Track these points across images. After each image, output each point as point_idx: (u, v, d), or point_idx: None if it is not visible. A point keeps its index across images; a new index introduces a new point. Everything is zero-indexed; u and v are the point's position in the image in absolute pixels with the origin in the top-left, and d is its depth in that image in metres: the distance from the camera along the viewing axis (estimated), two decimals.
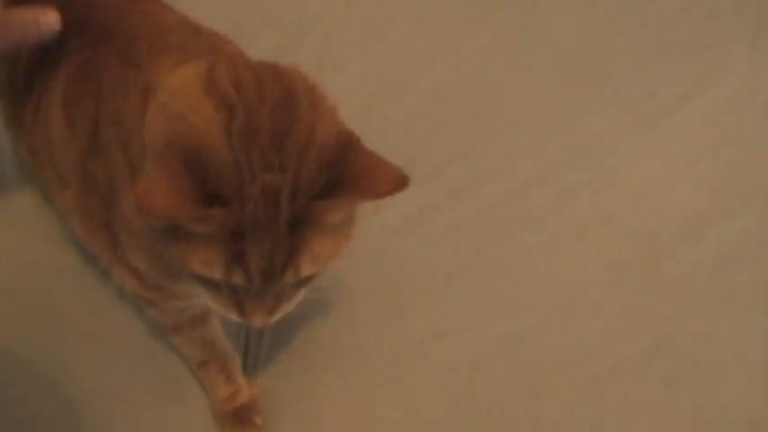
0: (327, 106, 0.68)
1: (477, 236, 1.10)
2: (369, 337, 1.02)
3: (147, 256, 0.80)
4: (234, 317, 0.71)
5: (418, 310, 1.04)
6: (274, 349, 1.02)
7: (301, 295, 0.72)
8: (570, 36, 1.32)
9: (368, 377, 0.99)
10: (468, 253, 1.09)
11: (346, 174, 0.64)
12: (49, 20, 0.77)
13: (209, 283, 0.68)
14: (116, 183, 0.80)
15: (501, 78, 1.27)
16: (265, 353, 1.02)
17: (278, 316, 0.71)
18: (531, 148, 1.19)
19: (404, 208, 1.11)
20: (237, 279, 0.65)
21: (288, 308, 0.72)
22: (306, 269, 0.66)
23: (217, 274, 0.65)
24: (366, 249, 1.03)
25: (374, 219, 1.07)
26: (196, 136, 0.63)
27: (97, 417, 0.95)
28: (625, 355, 1.00)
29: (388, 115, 1.19)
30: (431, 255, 1.09)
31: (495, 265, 1.07)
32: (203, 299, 0.71)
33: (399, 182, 0.64)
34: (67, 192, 0.89)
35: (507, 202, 1.13)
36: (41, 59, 0.89)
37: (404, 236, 1.10)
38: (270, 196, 0.62)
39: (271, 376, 1.00)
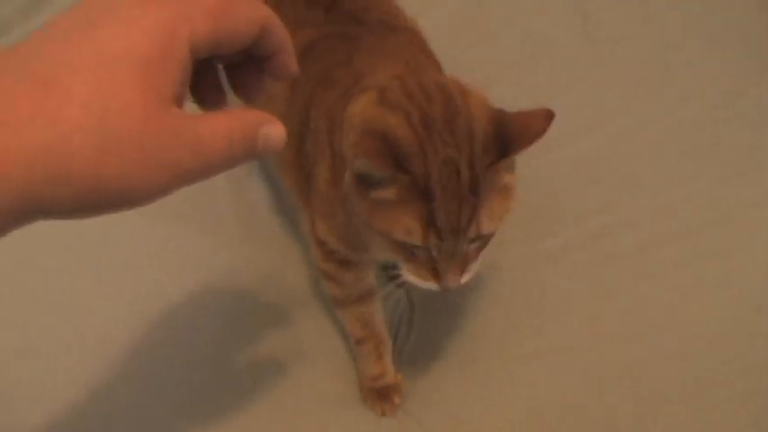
0: (476, 97, 0.82)
1: (606, 278, 1.19)
2: (506, 349, 1.13)
3: (335, 225, 0.96)
4: (430, 284, 0.84)
5: (550, 333, 1.14)
6: (419, 345, 1.15)
7: (482, 259, 0.85)
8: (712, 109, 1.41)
9: (499, 384, 1.10)
10: (599, 290, 1.18)
11: (507, 138, 0.77)
12: (272, 135, 0.51)
13: (409, 253, 0.82)
14: (317, 158, 0.96)
15: (651, 147, 1.36)
16: (411, 345, 1.15)
17: (467, 277, 0.84)
18: (667, 208, 1.27)
19: (550, 242, 1.23)
20: (433, 239, 0.78)
21: (474, 270, 0.85)
22: (485, 226, 0.79)
23: (416, 237, 0.78)
24: (510, 272, 1.19)
25: (523, 248, 1.21)
26: (384, 128, 0.78)
27: (258, 382, 1.11)
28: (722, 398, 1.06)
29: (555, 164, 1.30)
30: (568, 286, 1.19)
31: (616, 303, 1.16)
32: (404, 269, 0.85)
33: (545, 119, 0.77)
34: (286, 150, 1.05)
35: (634, 255, 1.21)
36: None
37: (548, 265, 1.21)
38: (451, 167, 0.76)
39: (414, 366, 1.12)
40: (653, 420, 1.04)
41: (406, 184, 0.76)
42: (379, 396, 1.08)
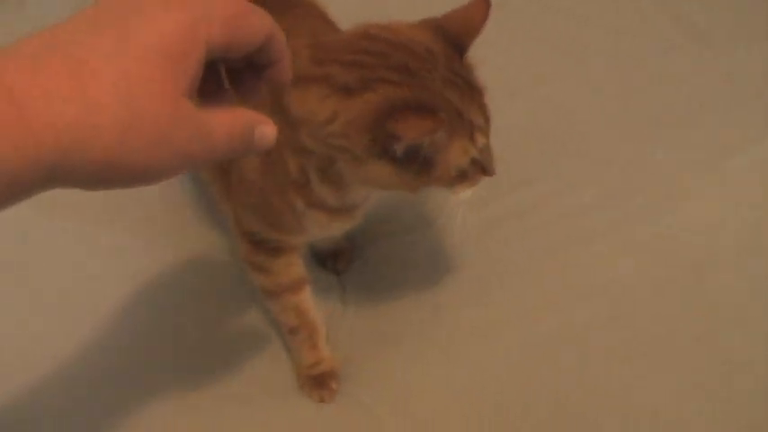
0: (401, 28, 0.85)
1: (548, 242, 1.21)
2: (445, 320, 1.14)
3: (268, 213, 0.96)
4: (481, 181, 0.89)
5: (492, 299, 1.15)
6: (354, 325, 1.15)
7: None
8: (645, 74, 1.44)
9: (440, 356, 1.11)
10: (538, 255, 1.20)
11: (454, 36, 0.84)
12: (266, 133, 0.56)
13: (459, 177, 0.86)
14: None
15: (578, 112, 1.39)
16: (347, 326, 1.15)
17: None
18: (599, 174, 1.30)
19: (489, 211, 1.24)
20: (480, 139, 0.85)
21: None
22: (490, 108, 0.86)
23: (473, 151, 0.85)
24: (450, 244, 1.20)
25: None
26: (391, 104, 0.78)
27: (196, 370, 1.11)
28: (665, 355, 1.08)
29: None
30: (507, 252, 1.20)
31: (558, 268, 1.19)
32: (459, 193, 0.88)
33: (485, 4, 0.84)
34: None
35: (574, 218, 1.24)
36: None
37: (485, 235, 1.21)
38: (449, 83, 0.81)
39: (351, 347, 1.13)
40: (598, 380, 1.06)
41: (444, 125, 0.79)
42: (317, 383, 1.08)
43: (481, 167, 0.88)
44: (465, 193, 0.89)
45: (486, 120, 0.86)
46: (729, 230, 1.21)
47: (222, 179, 1.04)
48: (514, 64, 1.42)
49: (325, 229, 0.98)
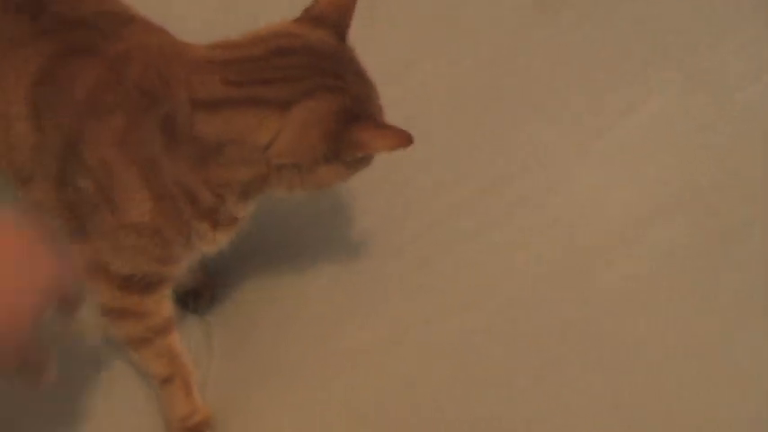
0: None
1: (430, 243, 1.16)
2: (311, 351, 1.09)
3: (149, 250, 0.89)
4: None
5: (373, 317, 1.11)
6: (222, 370, 1.08)
7: None
8: (512, 47, 1.37)
9: (309, 392, 1.06)
10: (423, 256, 1.15)
11: (338, 21, 0.87)
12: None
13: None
14: (117, 196, 0.87)
15: (439, 89, 1.32)
16: (215, 372, 1.07)
17: None
18: (476, 159, 1.25)
19: (369, 217, 1.19)
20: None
21: None
22: None
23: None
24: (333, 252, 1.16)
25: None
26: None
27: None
28: (562, 351, 1.07)
29: None
30: (390, 259, 1.15)
31: (447, 267, 1.14)
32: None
33: None
34: (35, 186, 0.93)
35: (455, 212, 1.19)
36: None
37: (372, 237, 1.18)
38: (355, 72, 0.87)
39: (222, 395, 1.06)
40: (500, 385, 1.05)
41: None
42: None
43: None
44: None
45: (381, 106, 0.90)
46: (620, 205, 1.20)
47: (73, 225, 0.92)
48: (383, 50, 1.30)
49: (212, 244, 0.94)
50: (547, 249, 1.15)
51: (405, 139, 0.83)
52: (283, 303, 1.13)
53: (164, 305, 0.97)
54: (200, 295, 1.13)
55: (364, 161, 0.88)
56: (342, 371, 1.07)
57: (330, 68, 0.83)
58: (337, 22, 0.86)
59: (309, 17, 0.87)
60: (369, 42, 0.91)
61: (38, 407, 1.01)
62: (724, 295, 1.10)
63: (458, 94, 1.32)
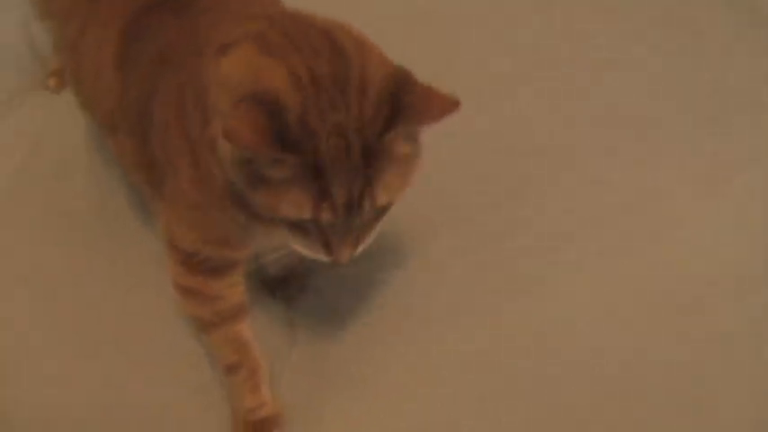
0: (372, 48, 0.74)
1: (513, 275, 1.07)
2: (392, 361, 1.02)
3: (206, 227, 0.85)
4: (322, 257, 0.77)
5: (443, 336, 1.02)
6: (302, 364, 1.02)
7: (378, 230, 0.78)
8: (635, 90, 1.27)
9: (389, 398, 0.99)
10: (502, 290, 1.06)
11: (404, 104, 0.70)
12: None
13: (297, 228, 0.75)
14: (172, 157, 0.83)
15: (554, 125, 1.24)
16: (294, 366, 1.02)
17: (360, 249, 0.78)
18: (589, 194, 1.15)
19: (439, 243, 1.10)
20: (325, 215, 0.71)
21: (367, 242, 0.78)
22: (381, 198, 0.73)
23: (306, 213, 0.71)
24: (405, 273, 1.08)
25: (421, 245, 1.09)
26: (268, 86, 0.69)
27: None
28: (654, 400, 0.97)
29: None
30: (466, 286, 1.07)
31: (521, 306, 1.05)
32: (294, 243, 0.77)
33: (451, 105, 0.71)
34: (118, 138, 0.94)
35: (541, 250, 1.10)
36: None
37: (446, 265, 1.09)
38: (340, 134, 0.69)
39: (297, 391, 1.00)
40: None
41: (294, 163, 0.69)
42: (257, 430, 0.94)
43: (326, 244, 0.78)
44: (299, 250, 0.79)
45: (356, 204, 0.75)
46: (726, 262, 1.07)
47: (152, 187, 0.92)
48: (479, 76, 1.27)
49: (271, 239, 0.86)
50: (650, 288, 1.05)
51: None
52: (365, 304, 1.06)
53: (233, 291, 0.93)
54: (288, 284, 1.08)
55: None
56: (419, 385, 0.99)
57: None
58: (405, 107, 0.73)
59: (395, 74, 0.74)
60: None
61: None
62: None
63: (558, 121, 1.23)
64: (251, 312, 0.96)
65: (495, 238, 1.10)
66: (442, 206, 1.12)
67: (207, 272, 0.90)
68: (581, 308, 1.04)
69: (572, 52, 1.31)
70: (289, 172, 0.70)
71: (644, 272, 1.06)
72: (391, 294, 1.06)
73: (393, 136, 0.71)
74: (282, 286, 1.08)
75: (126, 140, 0.92)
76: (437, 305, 1.05)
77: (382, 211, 0.76)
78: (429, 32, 1.32)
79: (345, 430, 0.96)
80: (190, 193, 0.82)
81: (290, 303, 1.07)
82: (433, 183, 1.08)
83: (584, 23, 1.36)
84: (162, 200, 0.90)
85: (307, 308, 1.07)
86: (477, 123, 1.13)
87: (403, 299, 1.06)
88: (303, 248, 0.77)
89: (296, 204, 0.71)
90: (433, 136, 0.77)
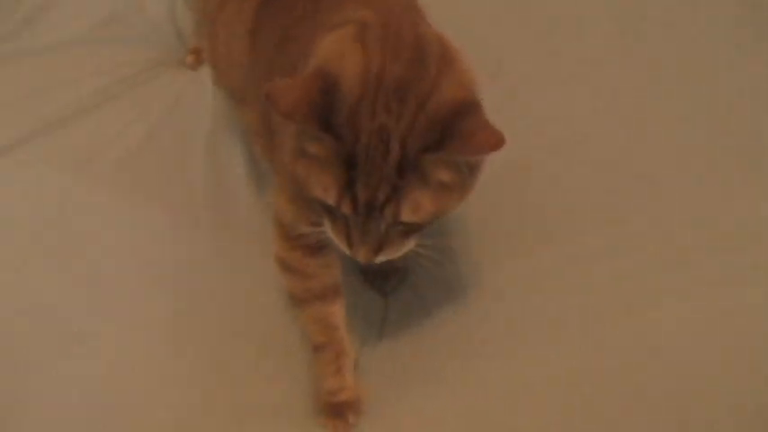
0: (458, 72, 0.75)
1: (607, 299, 1.03)
2: (480, 364, 1.00)
3: (292, 193, 0.88)
4: (344, 248, 0.78)
5: (532, 352, 1.00)
6: (386, 357, 1.03)
7: (407, 246, 0.79)
8: (740, 118, 1.22)
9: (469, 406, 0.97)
10: (594, 312, 1.02)
11: (453, 132, 0.71)
12: None
13: (329, 214, 0.78)
14: (279, 126, 0.88)
15: (657, 167, 1.19)
16: (378, 357, 1.03)
17: (382, 258, 0.79)
18: (668, 232, 1.11)
19: (537, 258, 1.09)
20: (346, 207, 0.74)
21: (392, 253, 0.79)
22: (405, 212, 0.74)
23: (330, 198, 0.74)
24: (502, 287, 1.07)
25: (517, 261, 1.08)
26: (339, 68, 0.71)
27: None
28: None
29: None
30: (559, 306, 1.04)
31: (613, 331, 1.00)
32: (327, 228, 0.79)
33: (495, 144, 0.71)
34: (245, 107, 0.99)
35: (639, 275, 1.05)
36: None
37: (541, 282, 1.07)
38: (383, 137, 0.71)
39: (377, 380, 1.00)
40: None
41: (332, 145, 0.72)
42: (334, 412, 0.96)
43: (348, 237, 0.80)
44: (329, 233, 0.81)
45: (378, 207, 0.77)
46: None
47: (268, 153, 0.97)
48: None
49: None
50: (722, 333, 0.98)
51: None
52: (458, 306, 1.06)
53: (326, 272, 0.95)
54: (387, 278, 1.09)
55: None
56: (502, 397, 0.97)
57: None
58: (451, 135, 0.74)
59: (455, 99, 0.76)
60: None
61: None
62: None
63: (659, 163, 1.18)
64: (345, 300, 0.97)
65: (592, 260, 1.08)
66: (538, 222, 1.12)
67: (303, 248, 0.92)
68: (674, 338, 0.98)
69: (679, 84, 1.28)
70: (324, 152, 0.73)
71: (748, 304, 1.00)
72: (486, 301, 1.05)
73: (433, 159, 0.72)
74: (381, 279, 1.09)
75: (251, 111, 0.95)
76: (529, 319, 1.03)
77: (411, 227, 0.77)
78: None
79: (419, 426, 0.95)
80: (290, 165, 0.84)
81: (387, 295, 1.08)
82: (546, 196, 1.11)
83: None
84: (273, 166, 0.94)
85: (400, 303, 1.07)
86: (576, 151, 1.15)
87: (496, 306, 1.05)
88: (331, 235, 0.79)
89: (323, 186, 0.74)
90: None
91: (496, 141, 0.70)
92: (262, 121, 0.93)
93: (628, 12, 1.36)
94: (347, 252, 0.78)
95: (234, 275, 1.09)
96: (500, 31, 1.34)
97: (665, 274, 1.04)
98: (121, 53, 1.40)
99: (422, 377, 1.00)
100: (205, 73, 1.32)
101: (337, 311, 0.96)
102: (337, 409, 0.95)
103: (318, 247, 0.91)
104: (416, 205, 0.74)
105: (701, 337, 0.97)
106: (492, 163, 0.78)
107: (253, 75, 0.93)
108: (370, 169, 0.71)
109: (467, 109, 0.72)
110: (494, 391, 0.97)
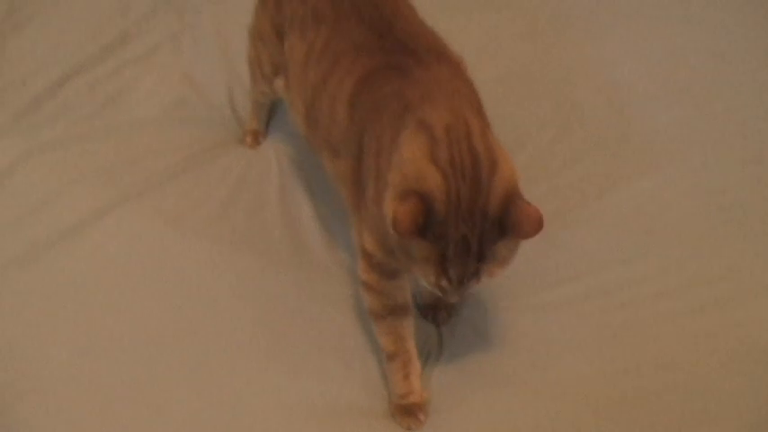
0: (502, 168, 1.00)
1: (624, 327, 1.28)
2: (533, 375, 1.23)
3: (380, 237, 1.09)
4: (439, 294, 1.05)
5: (579, 356, 1.24)
6: (448, 367, 1.24)
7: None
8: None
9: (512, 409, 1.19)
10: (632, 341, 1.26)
11: (510, 223, 0.97)
12: None
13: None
14: (368, 179, 1.11)
15: (668, 205, 1.45)
16: (441, 366, 1.24)
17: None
18: (679, 262, 1.35)
19: (581, 286, 1.33)
20: (443, 284, 1.02)
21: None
22: (484, 281, 1.03)
23: (429, 282, 1.02)
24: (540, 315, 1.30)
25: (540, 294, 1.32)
26: (428, 191, 0.97)
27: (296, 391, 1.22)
28: None
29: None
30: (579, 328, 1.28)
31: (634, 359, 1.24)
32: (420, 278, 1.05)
33: (540, 226, 0.97)
34: (339, 161, 1.20)
35: (650, 304, 1.30)
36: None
37: (571, 312, 1.30)
38: (465, 240, 0.98)
39: (442, 386, 1.22)
40: None
41: (430, 249, 0.98)
42: (405, 412, 1.16)
43: (444, 293, 1.07)
44: (422, 282, 1.07)
45: (466, 282, 1.04)
46: None
47: (354, 199, 1.17)
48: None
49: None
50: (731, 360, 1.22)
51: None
52: (508, 335, 1.28)
53: (398, 293, 1.16)
54: (438, 310, 1.30)
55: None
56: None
57: None
58: (509, 226, 0.99)
59: (509, 197, 1.01)
60: None
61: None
62: None
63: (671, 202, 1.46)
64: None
65: (618, 291, 1.32)
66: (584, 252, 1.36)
67: (381, 273, 1.13)
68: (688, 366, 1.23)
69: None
70: (425, 253, 0.99)
71: (737, 331, 1.25)
72: (537, 330, 1.28)
73: (500, 245, 0.99)
74: (432, 312, 1.29)
75: (346, 162, 1.17)
76: (574, 342, 1.26)
77: None
78: None
79: (477, 424, 1.17)
80: (371, 205, 1.07)
81: (440, 325, 1.29)
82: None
83: None
84: (359, 210, 1.14)
85: (454, 332, 1.28)
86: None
87: (546, 335, 1.27)
88: (432, 289, 1.05)
89: (424, 274, 1.02)
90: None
91: (539, 225, 0.97)
92: (353, 172, 1.15)
93: None
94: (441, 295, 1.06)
95: (311, 304, 1.30)
96: None
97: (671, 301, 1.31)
98: (189, 133, 1.59)
99: (476, 386, 1.21)
100: (264, 149, 1.55)
101: (407, 325, 1.17)
102: (408, 410, 1.15)
103: (391, 272, 1.13)
104: (491, 273, 1.02)
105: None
106: None
107: (350, 134, 1.15)
108: (458, 263, 0.99)
109: (512, 199, 0.97)
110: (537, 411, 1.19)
